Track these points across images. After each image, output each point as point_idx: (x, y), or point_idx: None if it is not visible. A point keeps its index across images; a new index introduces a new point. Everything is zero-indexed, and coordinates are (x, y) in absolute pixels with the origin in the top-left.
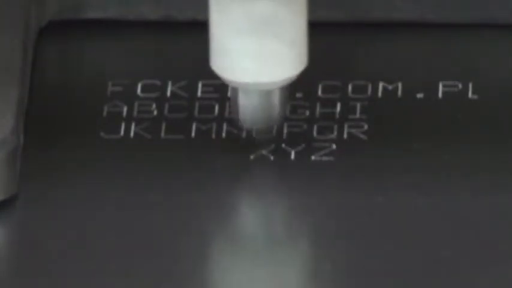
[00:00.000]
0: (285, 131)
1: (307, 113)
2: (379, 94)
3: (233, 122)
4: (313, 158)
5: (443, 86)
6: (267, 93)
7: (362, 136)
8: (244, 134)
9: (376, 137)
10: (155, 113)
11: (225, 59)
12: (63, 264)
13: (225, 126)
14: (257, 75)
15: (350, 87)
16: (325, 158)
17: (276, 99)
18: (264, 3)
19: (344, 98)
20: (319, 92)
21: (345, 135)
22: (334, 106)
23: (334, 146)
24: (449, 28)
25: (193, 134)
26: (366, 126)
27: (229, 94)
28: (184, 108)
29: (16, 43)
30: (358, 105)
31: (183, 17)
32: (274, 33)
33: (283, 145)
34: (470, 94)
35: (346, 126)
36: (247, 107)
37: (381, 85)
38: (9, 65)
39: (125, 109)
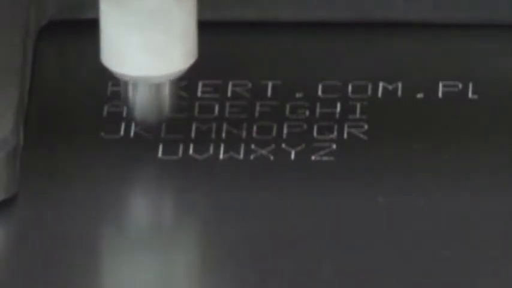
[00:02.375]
0: (285, 131)
1: (307, 113)
2: (379, 94)
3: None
4: (313, 158)
5: (443, 86)
6: (156, 87)
7: (362, 136)
8: (244, 134)
9: (376, 137)
10: None
11: (115, 52)
12: (63, 264)
13: (225, 126)
14: (146, 68)
15: (350, 87)
16: (325, 158)
17: (166, 92)
18: None
19: (344, 98)
20: (319, 92)
21: (345, 135)
22: (334, 106)
23: (334, 146)
24: (449, 28)
25: (193, 134)
26: (366, 126)
27: (120, 87)
28: (184, 108)
29: (16, 43)
30: (358, 105)
31: None
32: (163, 26)
33: (283, 145)
34: (470, 94)
35: (346, 126)
36: (137, 100)
37: (381, 85)
38: (9, 65)
39: (125, 109)
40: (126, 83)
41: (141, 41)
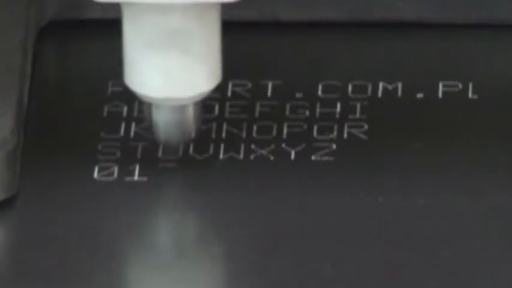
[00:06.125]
0: (285, 131)
1: (307, 113)
2: (379, 94)
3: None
4: (313, 158)
5: (443, 86)
6: (180, 109)
7: (362, 136)
8: (244, 134)
9: (376, 137)
10: None
11: (138, 74)
12: (63, 264)
13: (225, 126)
14: (169, 90)
15: (350, 87)
16: (325, 158)
17: (189, 114)
18: (176, 16)
19: (344, 98)
20: (319, 92)
21: (345, 135)
22: (334, 106)
23: (334, 146)
24: (449, 28)
25: (193, 134)
26: (366, 126)
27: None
28: None
29: (16, 43)
30: (358, 105)
31: None
32: (187, 47)
33: (283, 145)
34: (470, 94)
35: (346, 126)
36: (161, 122)
37: (381, 85)
38: (9, 65)
39: (125, 109)
40: (149, 105)
41: (164, 62)
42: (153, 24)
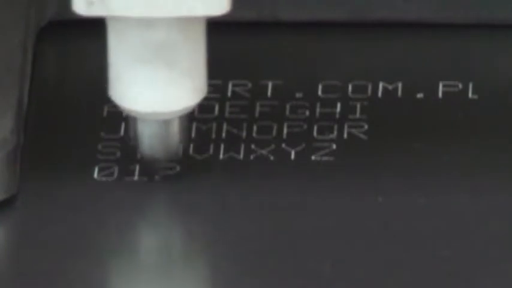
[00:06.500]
0: (285, 131)
1: (307, 113)
2: (379, 94)
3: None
4: (313, 158)
5: (443, 86)
6: (165, 123)
7: (362, 136)
8: (244, 134)
9: (376, 137)
10: None
11: (123, 88)
12: (63, 264)
13: (225, 126)
14: (154, 104)
15: (350, 87)
16: (325, 158)
17: (175, 128)
18: (161, 30)
19: (344, 98)
20: (319, 92)
21: (345, 135)
22: (334, 106)
23: (334, 146)
24: (449, 28)
25: (193, 134)
26: (366, 126)
27: (130, 121)
28: None
29: (16, 43)
30: (358, 105)
31: None
32: (171, 61)
33: (283, 145)
34: (470, 94)
35: (346, 126)
36: (145, 137)
37: (381, 85)
38: (9, 65)
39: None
40: (134, 119)
41: (148, 76)
42: (138, 38)
